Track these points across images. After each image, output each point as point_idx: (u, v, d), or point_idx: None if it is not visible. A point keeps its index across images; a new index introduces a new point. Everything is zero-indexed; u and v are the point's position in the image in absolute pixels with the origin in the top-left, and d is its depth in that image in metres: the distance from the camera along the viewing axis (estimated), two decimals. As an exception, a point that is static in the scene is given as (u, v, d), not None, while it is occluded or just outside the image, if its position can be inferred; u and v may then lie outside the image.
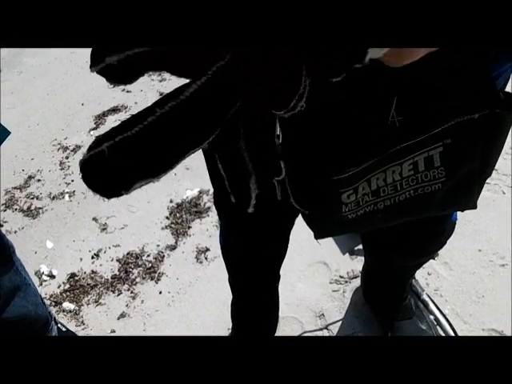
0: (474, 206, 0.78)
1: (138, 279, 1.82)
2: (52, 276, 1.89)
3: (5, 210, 2.19)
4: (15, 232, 2.08)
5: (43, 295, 1.80)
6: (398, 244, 1.10)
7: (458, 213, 1.12)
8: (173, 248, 1.90)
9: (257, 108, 0.37)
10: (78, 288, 1.83)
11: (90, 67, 0.35)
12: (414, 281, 1.59)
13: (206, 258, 1.84)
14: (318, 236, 0.85)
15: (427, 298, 1.57)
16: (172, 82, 2.65)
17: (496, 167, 1.94)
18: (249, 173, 0.43)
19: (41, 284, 1.86)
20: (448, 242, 1.12)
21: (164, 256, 1.88)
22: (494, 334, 1.48)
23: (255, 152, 0.43)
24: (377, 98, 0.40)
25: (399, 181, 0.71)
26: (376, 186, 0.72)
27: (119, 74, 0.36)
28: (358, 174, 0.69)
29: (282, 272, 1.32)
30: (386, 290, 1.49)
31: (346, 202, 0.73)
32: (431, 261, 1.66)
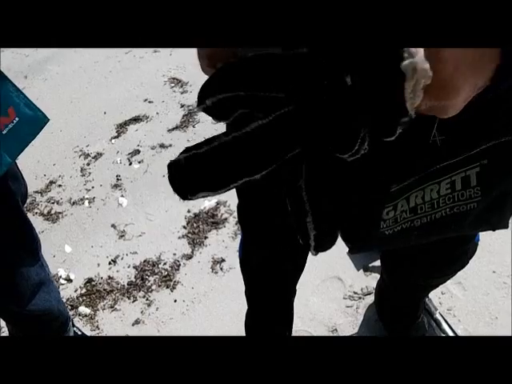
0: (506, 226, 0.79)
1: (153, 287, 1.84)
2: (69, 280, 1.92)
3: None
4: (35, 235, 2.12)
5: (60, 299, 1.83)
6: (421, 263, 1.11)
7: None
8: (189, 257, 1.92)
9: (319, 153, 0.41)
10: (94, 293, 1.85)
11: (197, 106, 0.41)
12: (427, 299, 1.59)
13: (221, 269, 1.86)
14: (352, 251, 0.86)
15: (440, 318, 1.57)
16: (193, 95, 2.68)
17: None
18: (305, 211, 0.46)
19: (58, 287, 1.89)
20: (463, 262, 1.13)
21: (180, 265, 1.90)
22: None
23: (314, 194, 0.45)
24: (419, 118, 0.42)
25: (436, 199, 0.72)
26: (414, 203, 0.73)
27: (217, 112, 0.41)
28: (399, 191, 0.71)
29: (296, 286, 1.33)
30: (400, 308, 1.49)
31: (385, 218, 0.75)
32: (445, 280, 1.66)
